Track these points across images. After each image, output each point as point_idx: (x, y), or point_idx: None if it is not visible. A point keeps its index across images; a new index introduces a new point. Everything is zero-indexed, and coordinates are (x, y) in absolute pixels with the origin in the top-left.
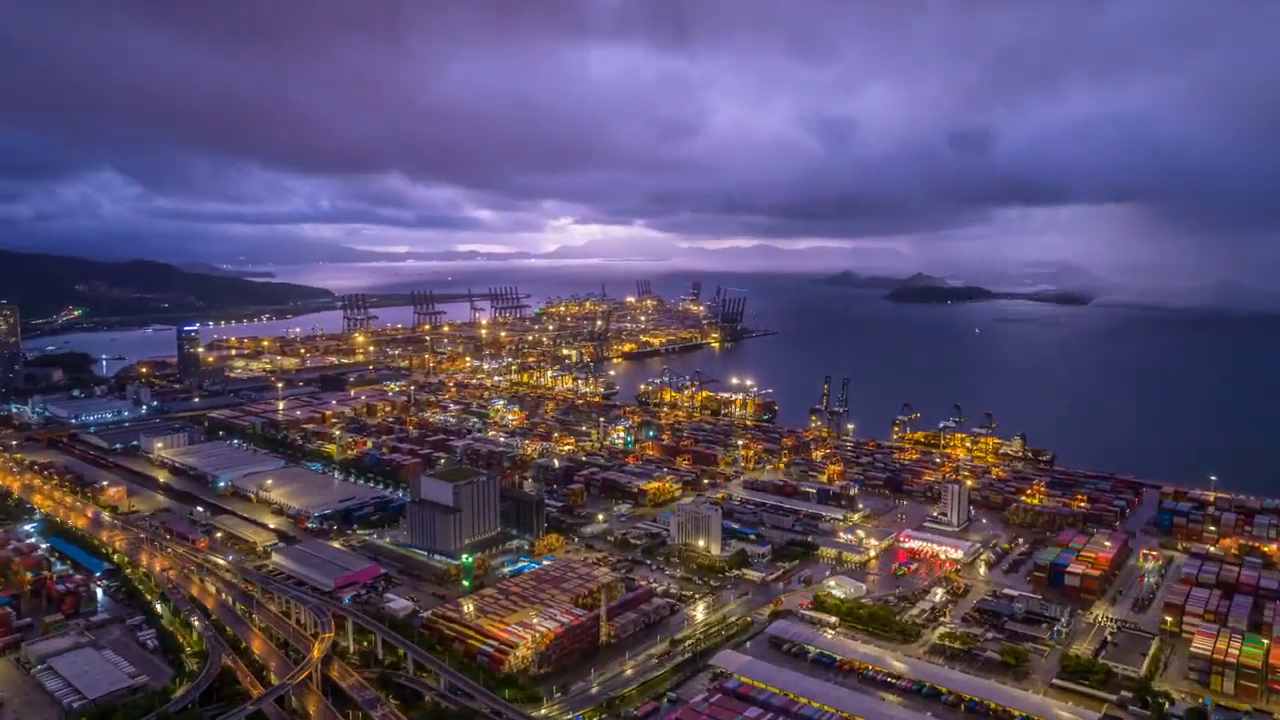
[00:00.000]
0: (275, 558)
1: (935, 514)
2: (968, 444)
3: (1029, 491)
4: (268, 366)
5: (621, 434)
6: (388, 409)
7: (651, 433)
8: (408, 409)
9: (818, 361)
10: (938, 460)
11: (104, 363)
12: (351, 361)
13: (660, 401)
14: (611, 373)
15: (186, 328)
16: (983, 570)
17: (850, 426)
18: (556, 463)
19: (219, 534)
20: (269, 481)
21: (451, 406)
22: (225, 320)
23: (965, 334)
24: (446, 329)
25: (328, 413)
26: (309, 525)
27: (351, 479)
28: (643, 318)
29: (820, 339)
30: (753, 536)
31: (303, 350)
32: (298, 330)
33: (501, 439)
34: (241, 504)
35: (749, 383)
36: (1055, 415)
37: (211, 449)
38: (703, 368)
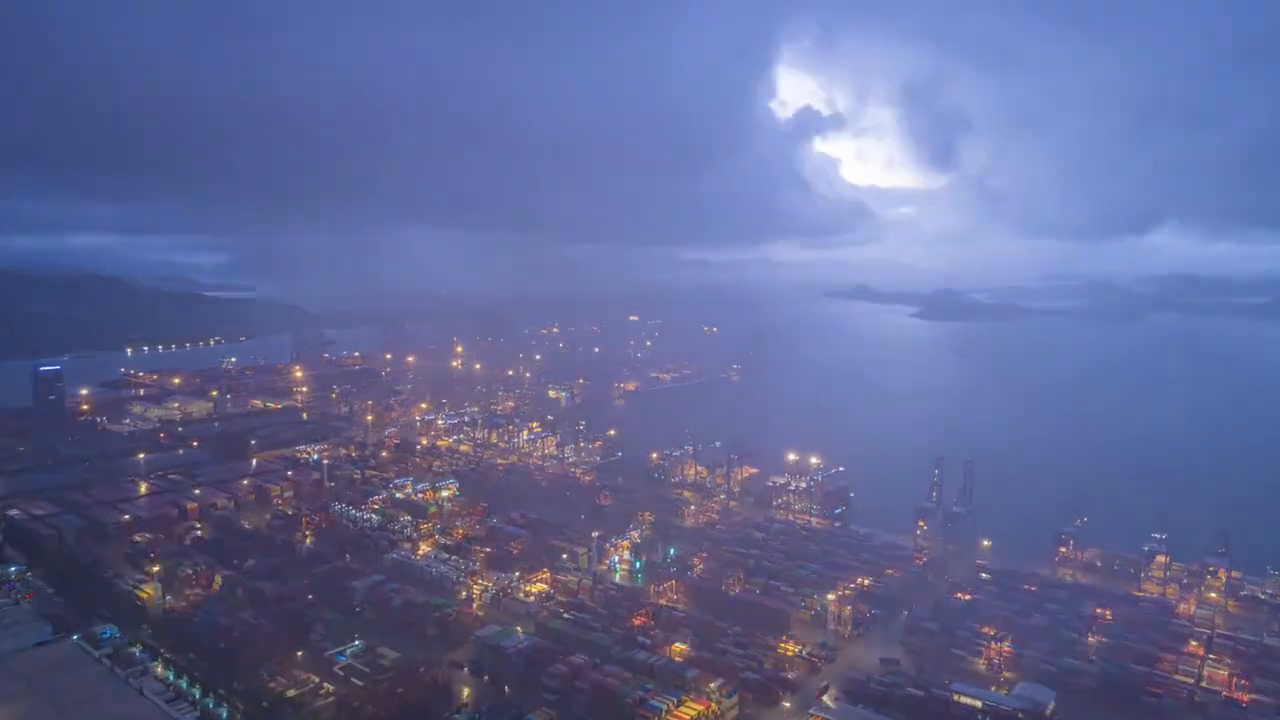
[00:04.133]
0: None
1: None
2: (1183, 578)
3: None
4: (176, 413)
5: (626, 556)
6: (288, 495)
7: (672, 551)
8: (317, 496)
9: (868, 402)
10: (1191, 633)
11: None
12: (279, 406)
13: (681, 480)
14: (611, 432)
15: (44, 368)
16: None
17: (986, 544)
18: (520, 631)
19: None
20: None
21: (380, 492)
22: (165, 345)
23: (1028, 366)
24: (412, 360)
25: (190, 505)
26: None
27: (158, 666)
28: (648, 342)
29: (858, 369)
30: None
31: (214, 392)
32: (233, 360)
33: (445, 561)
34: None
35: (814, 460)
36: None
37: None
38: (722, 405)
